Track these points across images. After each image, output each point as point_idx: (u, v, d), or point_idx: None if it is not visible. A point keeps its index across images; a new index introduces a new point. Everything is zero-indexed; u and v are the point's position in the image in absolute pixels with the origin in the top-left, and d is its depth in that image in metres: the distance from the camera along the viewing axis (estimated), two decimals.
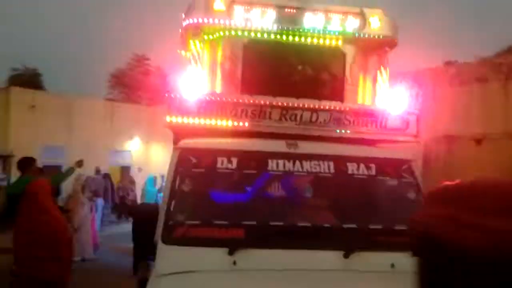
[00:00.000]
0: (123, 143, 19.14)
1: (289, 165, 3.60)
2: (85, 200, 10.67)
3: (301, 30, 4.17)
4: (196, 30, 4.19)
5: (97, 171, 16.17)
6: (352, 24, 4.22)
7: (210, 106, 3.86)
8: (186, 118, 3.83)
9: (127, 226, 14.86)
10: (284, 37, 4.22)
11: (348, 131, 4.00)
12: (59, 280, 4.48)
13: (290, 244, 3.16)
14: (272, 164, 3.59)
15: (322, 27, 4.17)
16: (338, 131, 4.00)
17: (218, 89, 4.22)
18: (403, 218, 3.57)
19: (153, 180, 11.84)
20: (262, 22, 4.13)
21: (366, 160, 3.70)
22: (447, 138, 8.56)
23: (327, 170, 3.62)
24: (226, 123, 3.88)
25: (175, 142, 4.51)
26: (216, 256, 3.07)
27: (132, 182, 18.27)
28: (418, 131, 4.10)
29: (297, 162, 3.62)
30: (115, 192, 17.10)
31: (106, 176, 16.71)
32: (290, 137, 3.86)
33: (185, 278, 2.87)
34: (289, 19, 4.17)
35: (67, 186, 10.76)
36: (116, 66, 29.29)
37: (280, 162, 3.60)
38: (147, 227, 3.38)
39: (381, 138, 4.09)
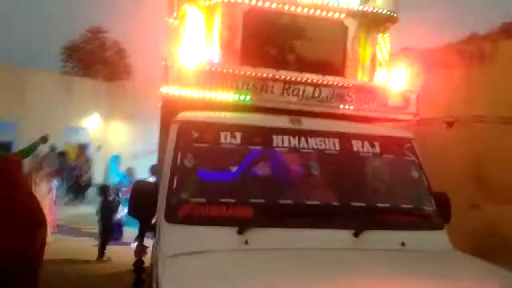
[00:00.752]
0: (80, 119, 18.17)
1: (294, 142, 3.44)
2: (42, 180, 10.02)
3: (305, 0, 3.98)
4: None
5: (52, 149, 15.27)
6: None
7: (210, 77, 3.62)
8: (184, 89, 3.56)
9: (81, 208, 14.23)
10: (287, 7, 4.01)
11: (351, 108, 3.90)
12: (33, 261, 4.12)
13: (300, 223, 3.03)
14: (277, 140, 3.41)
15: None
16: (341, 107, 3.89)
17: (215, 59, 3.96)
18: (409, 197, 3.57)
19: (116, 159, 11.25)
20: None
21: (371, 138, 3.61)
22: (419, 121, 8.69)
23: (332, 148, 3.49)
24: (227, 96, 3.66)
25: (166, 115, 4.24)
26: (225, 235, 2.88)
27: (88, 161, 17.48)
28: (418, 109, 4.06)
29: (302, 139, 3.46)
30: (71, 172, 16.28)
31: (62, 154, 15.85)
32: (292, 113, 3.70)
33: (199, 258, 2.67)
34: None
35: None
36: (69, 39, 27.63)
37: (285, 138, 3.43)
38: (144, 205, 3.13)
39: (382, 116, 4.02)
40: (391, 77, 4.06)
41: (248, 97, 3.69)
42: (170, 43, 4.61)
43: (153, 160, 16.38)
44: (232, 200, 3.06)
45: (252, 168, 3.39)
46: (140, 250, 3.54)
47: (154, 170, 10.01)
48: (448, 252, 3.18)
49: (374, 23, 4.26)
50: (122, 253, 8.57)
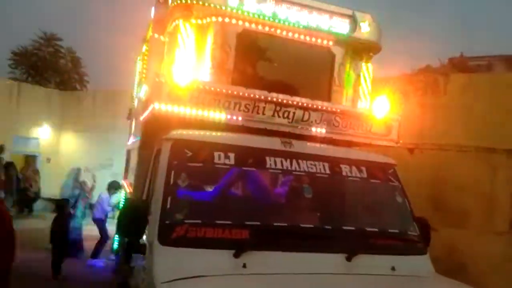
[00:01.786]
0: (30, 129, 17.21)
1: (286, 164, 3.46)
2: None
3: (296, 25, 4.06)
4: (186, 12, 3.85)
5: None
6: (344, 26, 4.23)
7: (203, 96, 3.57)
8: (177, 107, 3.49)
9: (28, 222, 13.37)
10: (279, 31, 4.07)
11: (337, 132, 3.99)
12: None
13: (296, 247, 3.03)
14: (270, 162, 3.42)
15: (317, 26, 4.11)
16: (328, 131, 3.96)
17: (207, 78, 3.93)
18: (395, 221, 3.67)
19: (76, 174, 10.69)
20: (258, 12, 3.94)
21: (358, 163, 3.71)
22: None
23: (323, 171, 3.55)
24: (220, 116, 3.62)
25: (152, 132, 4.12)
26: (222, 258, 2.82)
27: (36, 172, 16.53)
28: (399, 137, 4.22)
29: (294, 161, 3.49)
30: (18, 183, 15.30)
31: (9, 165, 14.90)
32: (282, 135, 3.73)
33: (199, 284, 2.58)
34: (285, 13, 4.03)
35: None
36: (20, 44, 26.29)
37: (278, 160, 3.45)
38: (134, 224, 3.00)
39: (366, 141, 4.14)
40: (374, 104, 4.20)
41: (240, 118, 3.68)
42: (160, 60, 4.52)
43: (107, 174, 15.85)
44: (228, 222, 3.01)
45: (247, 190, 3.36)
46: (126, 271, 3.37)
47: (112, 187, 9.70)
48: (435, 277, 3.29)
49: (359, 51, 4.42)
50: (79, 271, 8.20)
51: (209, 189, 3.30)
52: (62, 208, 8.54)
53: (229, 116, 3.65)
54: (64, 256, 7.99)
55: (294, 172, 3.46)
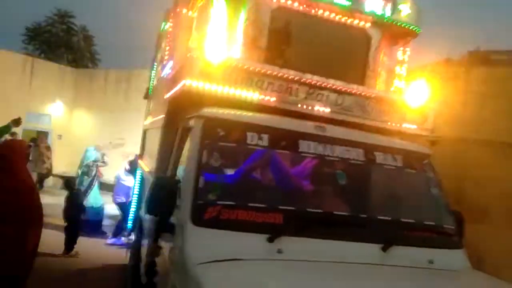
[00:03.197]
0: (43, 105, 17.17)
1: (320, 149, 3.33)
2: None
3: (333, 4, 3.88)
4: None
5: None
6: (382, 7, 4.04)
7: (236, 73, 3.43)
8: (209, 84, 3.35)
9: (44, 198, 13.36)
10: (314, 10, 3.89)
11: (372, 119, 3.83)
12: (19, 265, 3.68)
13: (330, 234, 2.91)
14: (303, 146, 3.29)
15: (354, 5, 3.93)
16: (361, 117, 3.81)
17: (237, 55, 3.77)
18: (432, 214, 3.54)
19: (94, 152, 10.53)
20: None
21: (393, 151, 3.57)
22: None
23: (357, 158, 3.42)
24: (252, 95, 3.48)
25: (180, 110, 3.99)
26: (256, 242, 2.71)
27: (48, 149, 16.54)
28: (435, 126, 4.06)
29: (328, 146, 3.36)
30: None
31: (35, 140, 14.88)
32: (313, 119, 3.59)
33: (234, 267, 2.48)
34: None
35: None
36: (33, 20, 26.19)
37: (311, 144, 3.31)
38: (164, 202, 2.89)
39: (399, 129, 3.98)
40: (409, 91, 4.02)
41: (273, 98, 3.54)
42: (188, 36, 4.36)
43: (119, 153, 15.77)
44: (262, 205, 2.89)
45: (279, 173, 3.23)
46: (154, 251, 3.27)
47: (132, 168, 9.54)
48: (473, 272, 3.17)
49: (396, 35, 4.24)
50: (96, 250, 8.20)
51: (243, 170, 3.18)
52: (71, 186, 8.49)
53: (262, 96, 3.50)
54: (77, 234, 7.96)
55: (328, 157, 3.32)
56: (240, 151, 3.14)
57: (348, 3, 3.93)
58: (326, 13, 3.95)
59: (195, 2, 4.25)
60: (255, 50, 3.78)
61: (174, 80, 4.05)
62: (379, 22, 4.08)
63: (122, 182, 9.32)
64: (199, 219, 2.74)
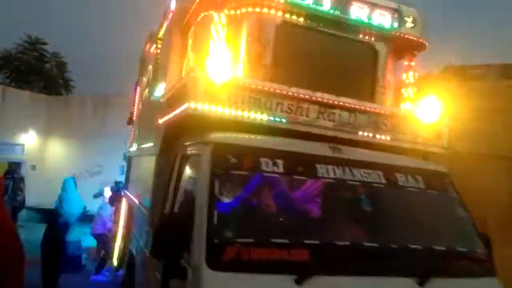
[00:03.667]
0: (15, 135, 16.39)
1: (339, 172, 3.04)
2: None
3: (338, 18, 3.67)
4: (220, 2, 3.41)
5: None
6: (389, 20, 3.85)
7: (242, 94, 3.13)
8: (214, 106, 3.04)
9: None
10: (320, 25, 3.67)
11: (387, 138, 3.59)
12: None
13: (360, 270, 2.60)
14: (321, 170, 2.99)
15: (360, 19, 3.73)
16: (376, 136, 3.56)
17: (240, 74, 3.48)
18: (461, 238, 3.27)
19: (74, 182, 9.85)
20: (298, 2, 3.54)
21: (413, 171, 3.32)
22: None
23: (378, 180, 3.15)
24: (261, 117, 3.18)
25: (172, 138, 3.67)
26: (283, 285, 2.37)
27: (22, 180, 15.70)
28: (449, 143, 3.85)
29: (347, 169, 3.08)
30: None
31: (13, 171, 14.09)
32: (325, 140, 3.31)
33: None
34: (326, 4, 3.63)
35: None
36: (3, 47, 25.34)
37: (329, 168, 3.03)
38: (174, 243, 2.52)
39: (414, 147, 3.74)
40: (421, 106, 3.81)
41: (283, 119, 3.25)
42: (182, 56, 4.06)
43: (96, 182, 15.13)
44: (285, 241, 2.56)
45: (299, 202, 2.92)
46: None
47: (114, 198, 8.96)
48: None
49: (403, 49, 4.05)
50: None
51: (259, 201, 2.84)
52: (54, 220, 7.87)
53: (271, 118, 3.21)
54: (58, 273, 7.35)
55: (348, 182, 3.04)
56: (254, 179, 2.82)
57: (353, 17, 3.72)
58: (332, 28, 3.72)
59: (190, 20, 3.96)
60: (260, 68, 3.50)
61: (171, 103, 3.72)
62: (385, 36, 3.89)
63: (101, 212, 8.78)
64: (216, 261, 2.38)
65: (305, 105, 3.33)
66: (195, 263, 2.45)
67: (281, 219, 2.86)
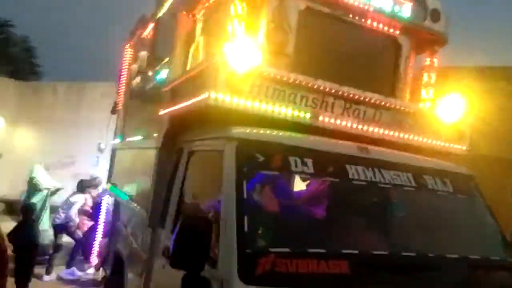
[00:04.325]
0: None
1: (369, 174, 2.80)
2: None
3: (364, 7, 3.41)
4: None
5: None
6: (413, 13, 3.63)
7: (266, 85, 2.84)
8: (236, 97, 2.73)
9: None
10: (344, 12, 3.40)
11: (410, 137, 3.38)
12: None
13: (404, 282, 2.37)
14: (351, 171, 2.74)
15: (384, 9, 3.49)
16: (400, 135, 3.34)
17: (261, 63, 3.16)
18: (496, 246, 3.09)
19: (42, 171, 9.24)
20: None
21: (442, 174, 3.13)
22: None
23: (408, 183, 2.92)
24: (286, 111, 2.90)
25: (176, 132, 3.34)
26: None
27: None
28: (470, 144, 3.68)
29: (377, 171, 2.84)
30: None
31: None
32: (349, 138, 3.07)
33: None
34: None
35: None
36: None
37: (360, 169, 2.78)
38: (196, 252, 2.21)
39: (436, 147, 3.55)
40: (442, 104, 3.61)
41: (308, 114, 2.97)
42: (188, 42, 3.69)
43: (68, 173, 14.47)
44: (323, 251, 2.29)
45: (332, 206, 2.65)
46: None
47: (83, 186, 8.43)
48: None
49: (424, 44, 3.84)
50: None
51: (291, 205, 2.57)
52: (28, 214, 7.25)
53: (296, 112, 2.93)
54: (31, 270, 6.81)
55: (380, 185, 2.80)
56: (284, 180, 2.54)
57: (379, 7, 3.47)
58: (357, 17, 3.46)
59: (199, 1, 3.61)
60: (282, 57, 3.21)
61: (178, 93, 3.38)
62: (409, 29, 3.66)
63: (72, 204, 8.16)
64: (249, 274, 2.09)
65: (331, 100, 3.07)
66: (223, 276, 2.15)
67: (317, 226, 2.59)
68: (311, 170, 2.60)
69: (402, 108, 3.36)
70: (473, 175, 3.33)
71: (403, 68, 3.72)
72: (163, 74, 4.12)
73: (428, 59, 3.87)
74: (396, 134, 3.32)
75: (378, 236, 2.66)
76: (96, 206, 7.68)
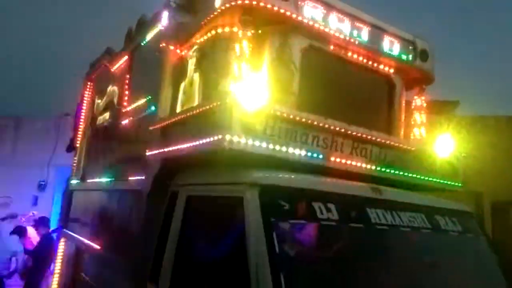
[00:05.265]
0: None
1: (389, 217, 2.69)
2: None
3: (361, 47, 3.39)
4: (245, 16, 2.91)
5: None
6: (406, 52, 3.68)
7: (279, 125, 2.67)
8: (252, 140, 2.52)
9: None
10: (344, 51, 3.36)
11: (413, 175, 3.34)
12: None
13: None
14: (373, 215, 2.61)
15: (381, 49, 3.50)
16: (403, 174, 3.29)
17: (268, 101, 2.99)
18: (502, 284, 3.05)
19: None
20: (323, 26, 3.19)
21: (448, 213, 3.09)
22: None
23: (423, 225, 2.86)
24: (299, 152, 2.73)
25: (167, 176, 3.07)
26: None
27: None
28: (464, 179, 3.71)
29: (394, 213, 2.74)
30: None
31: None
32: (355, 178, 2.96)
33: None
34: (350, 31, 3.34)
35: None
36: None
37: (379, 212, 2.66)
38: None
39: (432, 184, 3.53)
40: (437, 142, 3.63)
41: (320, 155, 2.83)
42: (179, 78, 3.43)
43: (2, 214, 13.21)
44: None
45: (362, 255, 2.48)
46: None
47: (18, 231, 7.58)
48: None
49: (413, 82, 3.89)
50: None
51: (324, 257, 2.34)
52: None
53: (309, 153, 2.77)
54: None
55: (400, 228, 2.69)
56: (311, 229, 2.34)
57: (376, 46, 3.48)
58: (355, 56, 3.43)
59: (190, 37, 3.40)
60: (288, 96, 3.06)
61: (172, 133, 3.11)
62: (402, 67, 3.70)
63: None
64: None
65: (340, 139, 2.95)
66: None
67: (355, 277, 2.38)
68: (336, 217, 2.43)
69: (405, 146, 3.32)
70: (473, 213, 3.35)
71: (397, 106, 3.73)
72: (145, 111, 3.81)
73: (417, 98, 3.91)
74: (401, 172, 3.26)
75: (413, 282, 2.52)
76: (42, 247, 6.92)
